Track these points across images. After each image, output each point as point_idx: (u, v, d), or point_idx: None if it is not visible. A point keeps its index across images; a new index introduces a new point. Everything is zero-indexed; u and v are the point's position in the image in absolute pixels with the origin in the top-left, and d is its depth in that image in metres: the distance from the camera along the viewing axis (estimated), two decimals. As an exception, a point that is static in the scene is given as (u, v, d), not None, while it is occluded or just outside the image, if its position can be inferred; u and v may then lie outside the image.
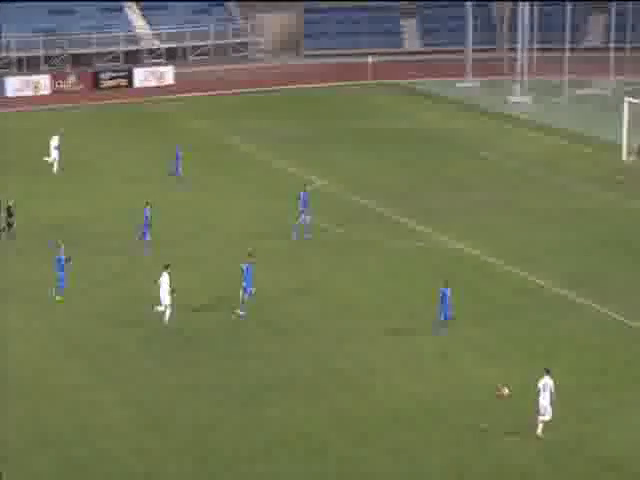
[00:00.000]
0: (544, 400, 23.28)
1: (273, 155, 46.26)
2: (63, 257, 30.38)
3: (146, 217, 34.45)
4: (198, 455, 23.00)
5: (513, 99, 54.38)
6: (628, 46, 55.68)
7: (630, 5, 56.25)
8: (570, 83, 54.78)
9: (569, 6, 55.52)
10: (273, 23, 68.80)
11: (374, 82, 60.10)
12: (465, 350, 27.74)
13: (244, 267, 29.28)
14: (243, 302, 29.35)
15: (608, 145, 45.59)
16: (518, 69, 54.99)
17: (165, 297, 28.72)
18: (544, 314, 29.59)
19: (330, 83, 60.85)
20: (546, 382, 23.38)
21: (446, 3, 68.85)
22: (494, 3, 67.89)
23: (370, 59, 61.11)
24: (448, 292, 27.85)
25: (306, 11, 69.59)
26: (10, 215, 35.14)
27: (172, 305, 28.76)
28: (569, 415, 24.23)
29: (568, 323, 29.02)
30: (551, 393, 23.23)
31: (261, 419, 24.39)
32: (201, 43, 65.98)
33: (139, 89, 60.10)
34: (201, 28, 66.04)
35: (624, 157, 43.76)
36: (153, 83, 61.00)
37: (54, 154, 43.17)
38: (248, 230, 36.72)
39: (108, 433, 23.74)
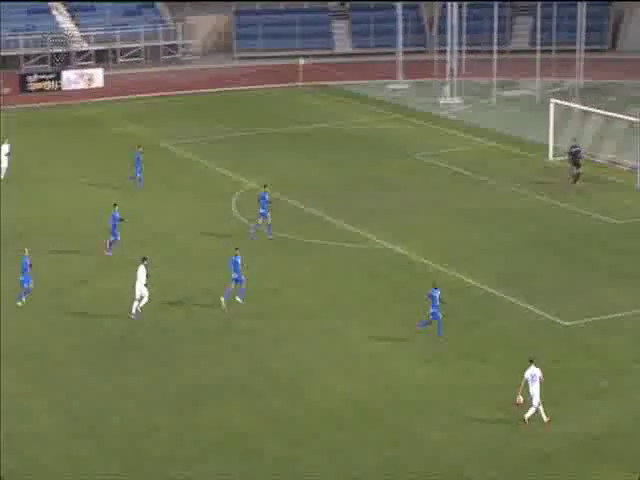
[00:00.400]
0: (534, 389, 23.83)
1: (206, 157, 46.17)
2: (28, 261, 30.14)
3: (114, 217, 34.23)
4: (131, 461, 22.92)
5: (443, 100, 55.08)
6: (554, 48, 56.83)
7: (555, 8, 57.41)
8: (498, 84, 55.70)
9: (496, 8, 56.46)
10: (204, 25, 68.57)
11: (306, 84, 60.34)
12: (399, 350, 28.08)
13: (233, 259, 30.08)
14: (234, 291, 30.11)
15: (535, 146, 46.47)
16: (447, 71, 55.72)
17: (142, 289, 29.43)
18: (475, 314, 30.10)
19: (262, 85, 60.90)
20: (534, 372, 23.92)
21: (375, 5, 69.46)
22: (423, 5, 68.65)
23: (302, 61, 61.31)
24: (437, 293, 27.91)
25: (237, 13, 69.53)
26: None
27: (146, 296, 29.51)
28: (499, 411, 24.72)
29: (498, 322, 29.57)
30: (540, 379, 23.79)
31: (196, 422, 24.41)
32: (131, 45, 65.49)
33: (68, 92, 59.38)
34: (131, 30, 65.55)
35: (550, 157, 44.68)
36: (82, 86, 60.32)
37: (4, 161, 42.53)
38: (183, 231, 36.63)
39: (37, 441, 23.53)
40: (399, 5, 60.00)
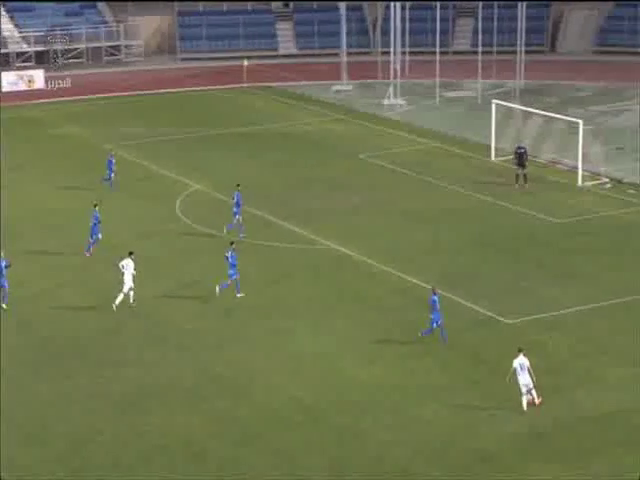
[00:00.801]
0: (523, 378, 24.39)
1: (150, 159, 45.87)
2: (3, 263, 29.98)
3: (95, 217, 34.26)
4: (74, 466, 22.67)
5: (387, 101, 55.38)
6: (495, 49, 57.49)
7: (495, 10, 58.09)
8: (441, 85, 56.17)
9: (438, 10, 56.95)
10: (147, 25, 68.08)
11: (250, 85, 60.24)
12: (344, 350, 28.17)
13: (228, 254, 30.73)
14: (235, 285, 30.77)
15: (478, 146, 46.94)
16: (391, 72, 56.04)
17: (129, 281, 30.22)
18: (419, 313, 30.27)
19: (206, 86, 60.66)
20: (522, 362, 24.48)
21: (319, 6, 69.63)
22: (367, 7, 68.97)
23: (246, 62, 61.19)
24: (436, 297, 27.90)
25: (180, 14, 69.15)
26: None
27: (131, 289, 30.31)
28: (443, 409, 24.93)
29: (442, 321, 29.76)
30: (529, 370, 24.40)
31: (140, 427, 24.23)
32: (73, 46, 64.73)
33: (8, 93, 58.52)
34: (72, 31, 64.81)
35: (493, 158, 45.17)
36: (22, 87, 59.47)
37: None
38: (125, 233, 36.31)
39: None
40: (343, 6, 60.18)
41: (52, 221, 38.27)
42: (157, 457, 23.01)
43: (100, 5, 68.36)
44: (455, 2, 67.37)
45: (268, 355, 27.87)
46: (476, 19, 61.83)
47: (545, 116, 46.00)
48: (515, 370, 24.61)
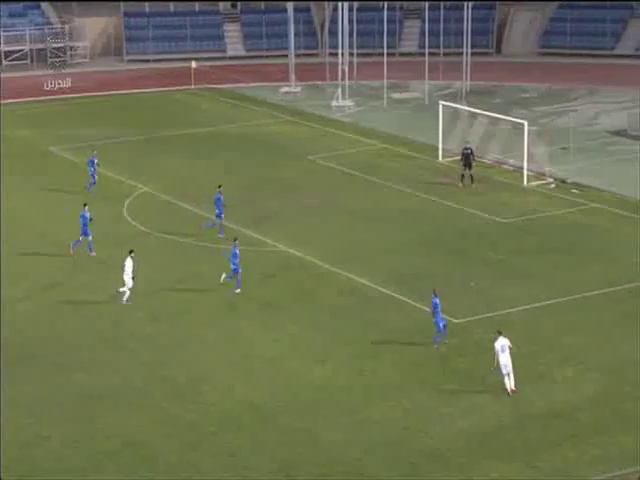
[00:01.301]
0: (504, 358, 25.30)
1: (99, 162, 45.49)
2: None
3: (84, 217, 34.14)
4: (22, 471, 22.45)
5: (335, 103, 55.57)
6: (441, 51, 58.02)
7: (442, 12, 58.64)
8: (389, 87, 56.52)
9: (386, 12, 57.29)
10: (93, 27, 67.43)
11: (199, 87, 60.05)
12: (294, 351, 28.26)
13: (232, 251, 31.23)
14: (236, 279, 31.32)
15: (425, 147, 47.33)
16: (339, 73, 56.25)
17: (128, 280, 30.60)
18: (369, 313, 30.51)
19: (154, 88, 60.33)
20: (503, 343, 25.41)
21: (267, 7, 69.64)
22: (315, 9, 69.12)
23: (194, 64, 60.98)
24: (437, 300, 28.02)
25: (126, 15, 68.65)
26: None
27: (131, 288, 30.75)
28: (393, 410, 25.14)
29: (392, 321, 30.01)
30: (510, 349, 25.35)
31: (91, 431, 24.08)
32: (17, 48, 63.92)
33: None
34: (16, 32, 64.00)
35: (440, 158, 45.61)
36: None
37: None
38: (71, 236, 35.95)
39: None
40: (290, 8, 60.26)
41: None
42: (107, 461, 22.89)
43: (44, 6, 67.56)
44: (402, 3, 67.81)
45: (219, 357, 27.86)
46: (423, 21, 62.23)
47: (491, 117, 46.55)
48: (497, 352, 25.40)
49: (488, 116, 46.68)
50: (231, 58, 68.00)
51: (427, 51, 56.28)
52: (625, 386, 26.12)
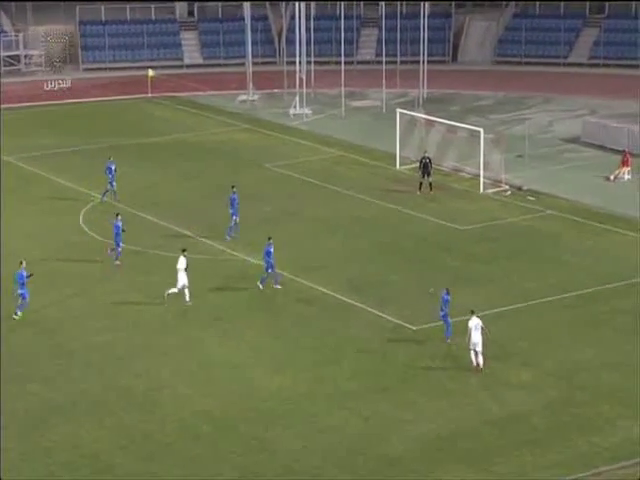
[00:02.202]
0: (476, 337, 26.81)
1: (53, 171, 45.16)
2: (24, 274, 29.67)
3: (117, 227, 34.03)
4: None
5: (293, 111, 55.67)
6: (398, 59, 58.38)
7: (398, 21, 59.01)
8: (346, 95, 56.74)
9: (343, 21, 57.49)
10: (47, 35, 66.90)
11: (156, 95, 59.81)
12: (253, 359, 28.23)
13: (266, 249, 31.91)
14: (270, 276, 32.08)
15: (383, 155, 47.57)
16: (297, 82, 56.36)
17: (182, 278, 30.82)
18: (328, 321, 30.57)
19: (111, 97, 60.01)
20: (477, 322, 26.84)
21: (224, 16, 69.62)
22: (272, 17, 69.18)
23: (151, 72, 60.71)
24: (448, 297, 28.87)
25: (82, 23, 68.21)
26: None
27: (187, 286, 30.99)
28: (352, 417, 25.20)
29: (351, 329, 30.10)
30: (482, 329, 26.79)
31: (45, 443, 23.85)
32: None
33: None
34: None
35: (398, 166, 45.86)
36: None
37: None
38: (27, 246, 35.65)
39: None
40: (248, 16, 60.27)
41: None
42: (64, 473, 22.70)
43: (-3, 14, 66.97)
44: (360, 11, 68.12)
45: (177, 366, 27.74)
46: (380, 29, 62.70)
47: (448, 125, 46.94)
48: (470, 330, 26.79)
49: (445, 124, 47.06)
50: (188, 66, 67.86)
51: (384, 59, 56.62)
52: (578, 390, 26.44)
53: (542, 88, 60.46)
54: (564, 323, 30.32)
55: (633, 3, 67.18)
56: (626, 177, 44.09)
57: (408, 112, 47.84)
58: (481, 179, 42.75)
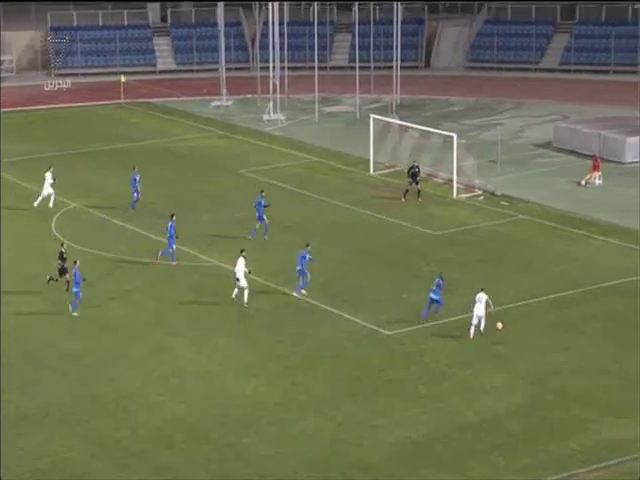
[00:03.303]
0: (478, 311, 29.07)
1: (25, 178, 44.85)
2: (79, 274, 30.30)
3: (172, 228, 34.56)
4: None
5: (267, 117, 55.66)
6: (372, 65, 58.51)
7: (372, 27, 59.20)
8: (320, 100, 56.82)
9: (316, 26, 57.60)
10: (19, 41, 66.48)
11: (129, 101, 59.61)
12: (225, 366, 28.16)
13: (302, 254, 32.18)
14: (304, 284, 32.25)
15: (357, 160, 47.64)
16: (270, 87, 56.38)
17: (242, 279, 31.07)
18: (302, 327, 30.57)
19: (83, 102, 59.73)
20: (481, 296, 29.25)
21: (197, 21, 69.53)
22: (245, 23, 69.17)
23: (123, 78, 60.52)
24: (442, 283, 30.36)
25: (53, 29, 67.85)
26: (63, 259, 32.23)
27: (248, 287, 31.19)
28: (326, 423, 25.21)
29: (323, 334, 30.11)
30: (487, 303, 29.12)
31: (17, 451, 23.65)
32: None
33: None
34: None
35: (371, 172, 45.96)
36: None
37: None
38: (6, 254, 35.42)
39: None
40: (221, 22, 60.21)
41: None
42: (35, 482, 22.54)
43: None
44: (333, 17, 68.28)
45: (149, 373, 27.62)
46: (353, 35, 62.81)
47: (421, 130, 47.10)
48: (476, 301, 29.14)
49: (418, 129, 47.23)
50: (161, 72, 67.68)
51: (358, 65, 56.75)
52: (549, 394, 26.58)
53: (514, 93, 60.84)
54: (536, 327, 30.49)
55: (603, 9, 67.85)
56: (597, 182, 44.44)
57: (382, 117, 47.98)
58: (454, 184, 42.93)
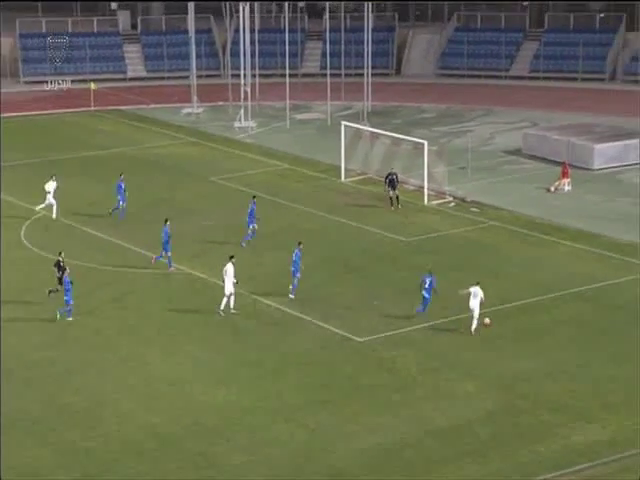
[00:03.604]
0: (473, 303, 29.78)
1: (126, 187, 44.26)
2: (68, 282, 30.09)
3: (166, 232, 34.33)
4: None
5: (238, 124, 55.61)
6: (343, 72, 58.70)
7: (343, 34, 59.36)
8: (291, 107, 56.86)
9: (287, 34, 57.69)
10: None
11: (99, 108, 59.34)
12: (197, 374, 28.06)
13: (295, 254, 32.35)
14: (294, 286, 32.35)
15: (328, 167, 47.69)
16: (242, 94, 56.33)
17: (229, 286, 31.08)
18: (273, 334, 30.53)
19: (52, 110, 59.38)
20: (476, 290, 29.82)
21: (167, 28, 69.38)
22: (216, 30, 69.08)
23: (93, 85, 60.25)
24: (429, 279, 30.92)
25: (22, 36, 67.43)
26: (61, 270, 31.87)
27: (234, 293, 31.23)
28: (297, 430, 25.18)
29: (294, 341, 30.10)
30: (481, 298, 29.76)
31: (-15, 463, 23.43)
32: None
33: None
34: None
35: (342, 179, 46.04)
36: None
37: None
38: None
39: None
40: (192, 29, 60.11)
41: None
42: (4, 493, 22.33)
43: None
44: (304, 25, 68.38)
45: (119, 382, 27.46)
46: (324, 42, 62.95)
47: (392, 137, 47.25)
48: (470, 294, 29.82)
49: (389, 136, 47.38)
50: (132, 79, 67.44)
51: (329, 72, 56.84)
52: (519, 400, 26.71)
53: (484, 101, 61.22)
54: (506, 333, 30.64)
55: (572, 17, 68.49)
56: (566, 188, 44.80)
57: (353, 125, 48.09)
58: (425, 191, 43.09)
